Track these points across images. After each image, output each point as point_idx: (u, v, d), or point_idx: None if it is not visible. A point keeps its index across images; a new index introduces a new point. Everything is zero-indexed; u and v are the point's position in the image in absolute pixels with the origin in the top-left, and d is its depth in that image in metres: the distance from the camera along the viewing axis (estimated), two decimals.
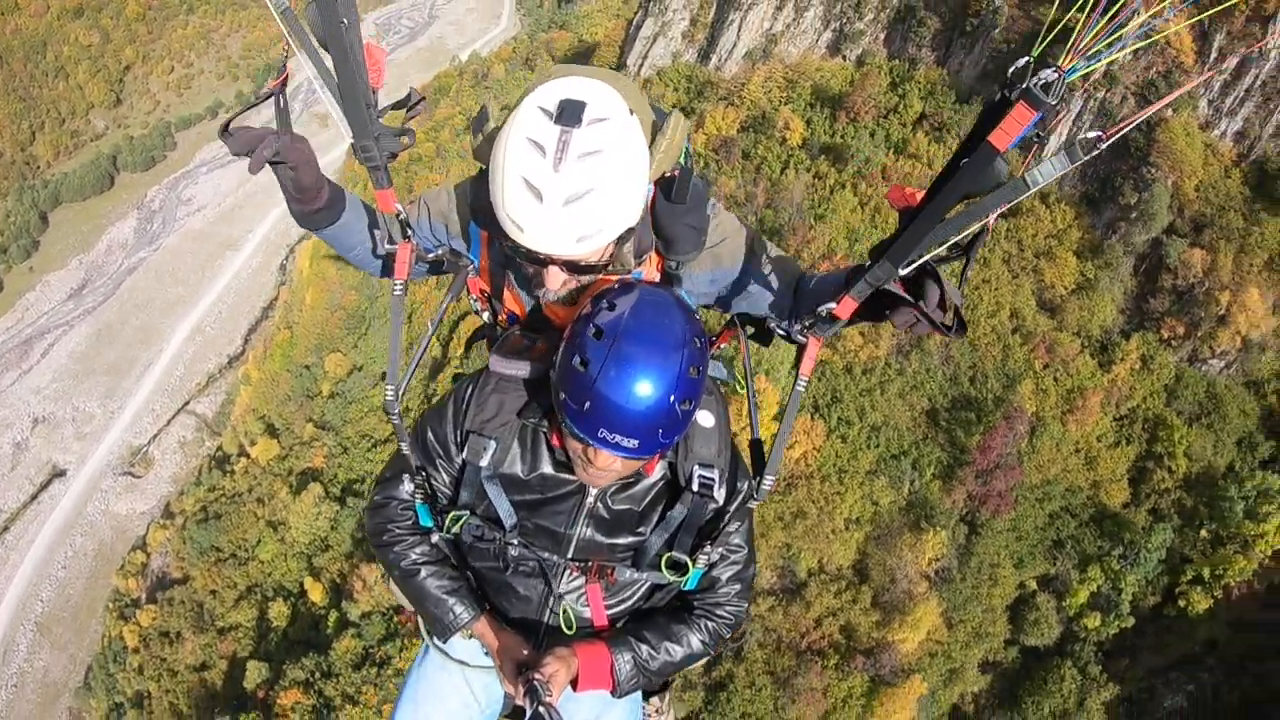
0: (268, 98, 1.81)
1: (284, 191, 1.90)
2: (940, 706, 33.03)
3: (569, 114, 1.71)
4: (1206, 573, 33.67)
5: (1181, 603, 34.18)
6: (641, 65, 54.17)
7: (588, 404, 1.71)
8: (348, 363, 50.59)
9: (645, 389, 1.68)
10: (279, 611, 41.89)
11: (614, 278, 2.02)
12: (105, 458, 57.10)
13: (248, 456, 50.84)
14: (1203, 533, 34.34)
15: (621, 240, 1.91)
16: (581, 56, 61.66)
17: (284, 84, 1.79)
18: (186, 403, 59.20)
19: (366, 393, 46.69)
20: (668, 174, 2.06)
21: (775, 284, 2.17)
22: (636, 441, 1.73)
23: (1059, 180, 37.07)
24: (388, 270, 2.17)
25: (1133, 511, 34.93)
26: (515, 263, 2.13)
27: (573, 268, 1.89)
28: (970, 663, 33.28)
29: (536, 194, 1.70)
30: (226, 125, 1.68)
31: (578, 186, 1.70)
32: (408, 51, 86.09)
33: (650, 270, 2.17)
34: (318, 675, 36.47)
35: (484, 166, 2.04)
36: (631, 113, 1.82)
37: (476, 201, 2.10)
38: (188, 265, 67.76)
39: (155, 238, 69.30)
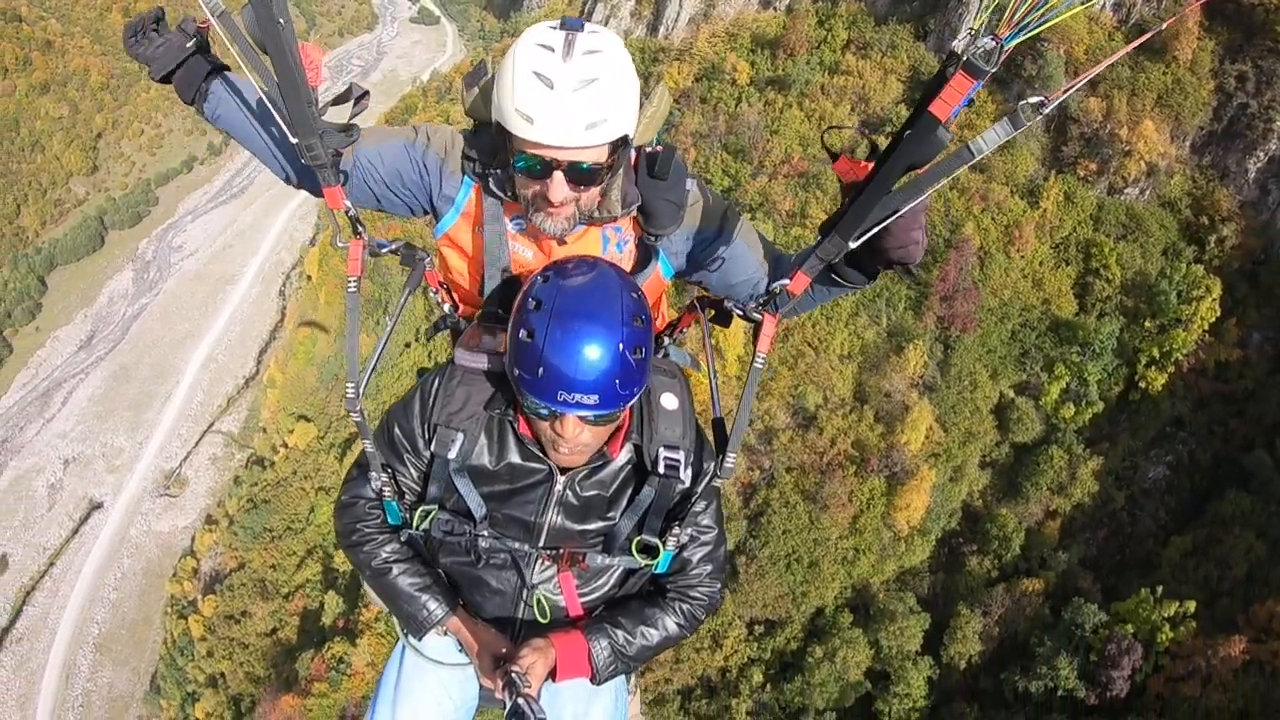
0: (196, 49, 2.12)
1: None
2: (951, 503, 39.08)
3: (571, 24, 1.94)
4: (1156, 352, 40.59)
5: (1143, 384, 41.02)
6: None
7: (540, 370, 1.83)
8: (372, 341, 56.35)
9: (592, 345, 1.82)
10: (344, 559, 46.64)
11: (602, 223, 2.24)
12: (140, 485, 61.96)
13: (286, 446, 55.87)
14: (1146, 324, 41.28)
15: (616, 155, 2.04)
16: None
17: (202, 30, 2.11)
18: (211, 424, 64.36)
19: (395, 360, 52.31)
20: (649, 149, 2.25)
21: (750, 254, 2.33)
22: (596, 397, 1.85)
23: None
24: (300, 181, 2.30)
25: (1083, 318, 41.82)
26: (501, 209, 2.27)
27: (576, 174, 2.00)
28: (970, 461, 39.55)
29: (547, 82, 1.86)
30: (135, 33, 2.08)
31: (585, 74, 1.87)
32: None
33: (628, 230, 2.33)
34: None
35: (477, 121, 2.31)
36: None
37: (471, 149, 2.27)
38: (190, 304, 74.09)
39: (154, 284, 75.52)
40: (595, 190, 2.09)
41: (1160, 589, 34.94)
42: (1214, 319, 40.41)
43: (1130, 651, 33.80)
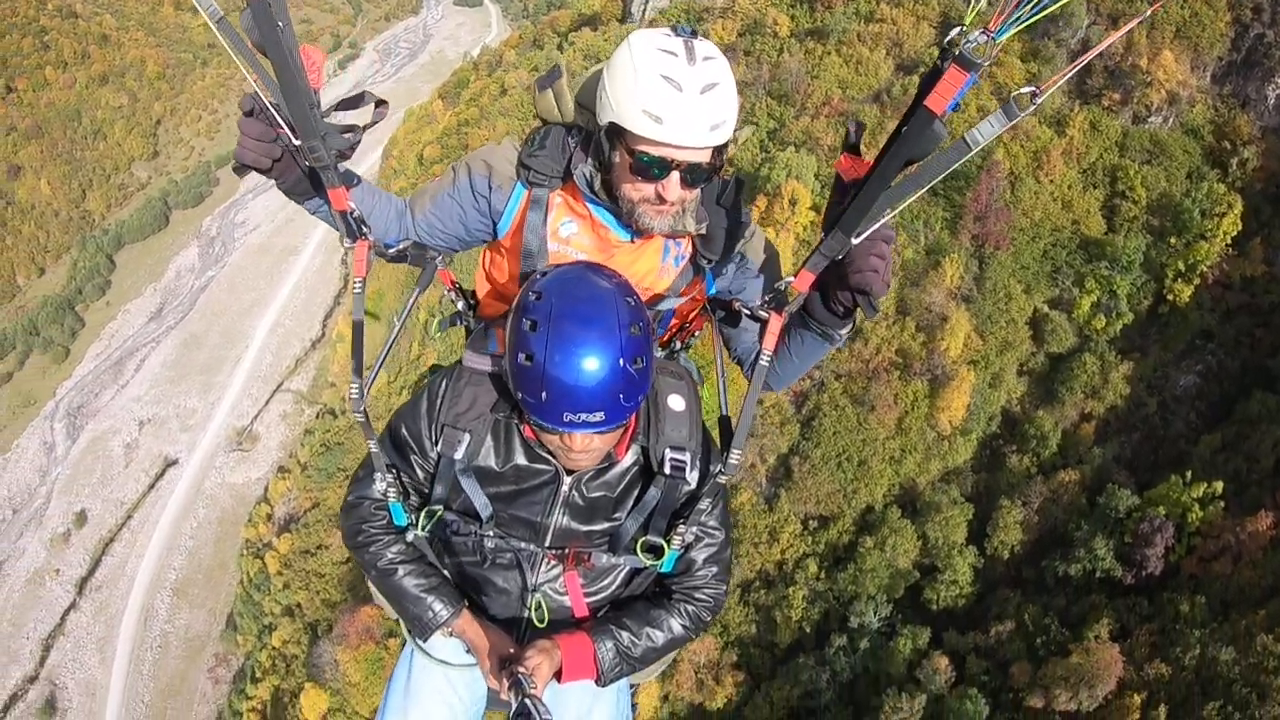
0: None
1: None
2: (991, 407, 42.46)
3: (683, 31, 2.04)
4: (1182, 265, 43.70)
5: (1170, 297, 44.13)
6: (644, 11, 66.92)
7: (544, 394, 1.89)
8: (438, 293, 60.51)
9: (592, 362, 1.87)
10: None
11: (680, 233, 2.32)
12: (213, 441, 66.88)
13: None
14: (1172, 241, 44.46)
15: (720, 159, 2.17)
16: (589, 22, 74.55)
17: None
18: (280, 384, 69.14)
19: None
20: (719, 177, 2.32)
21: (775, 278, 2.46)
22: (601, 413, 1.91)
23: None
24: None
25: (1111, 237, 45.08)
26: (544, 215, 2.38)
27: (693, 174, 2.12)
28: (1008, 369, 42.97)
29: (676, 85, 1.96)
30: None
31: (709, 78, 1.99)
32: (412, 69, 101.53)
33: (687, 246, 2.46)
34: None
35: (546, 121, 2.42)
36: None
37: (531, 154, 2.35)
38: (255, 274, 79.62)
39: (219, 258, 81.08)
40: (697, 192, 2.22)
41: (1190, 474, 37.98)
42: (1236, 233, 43.51)
43: (1162, 530, 36.81)
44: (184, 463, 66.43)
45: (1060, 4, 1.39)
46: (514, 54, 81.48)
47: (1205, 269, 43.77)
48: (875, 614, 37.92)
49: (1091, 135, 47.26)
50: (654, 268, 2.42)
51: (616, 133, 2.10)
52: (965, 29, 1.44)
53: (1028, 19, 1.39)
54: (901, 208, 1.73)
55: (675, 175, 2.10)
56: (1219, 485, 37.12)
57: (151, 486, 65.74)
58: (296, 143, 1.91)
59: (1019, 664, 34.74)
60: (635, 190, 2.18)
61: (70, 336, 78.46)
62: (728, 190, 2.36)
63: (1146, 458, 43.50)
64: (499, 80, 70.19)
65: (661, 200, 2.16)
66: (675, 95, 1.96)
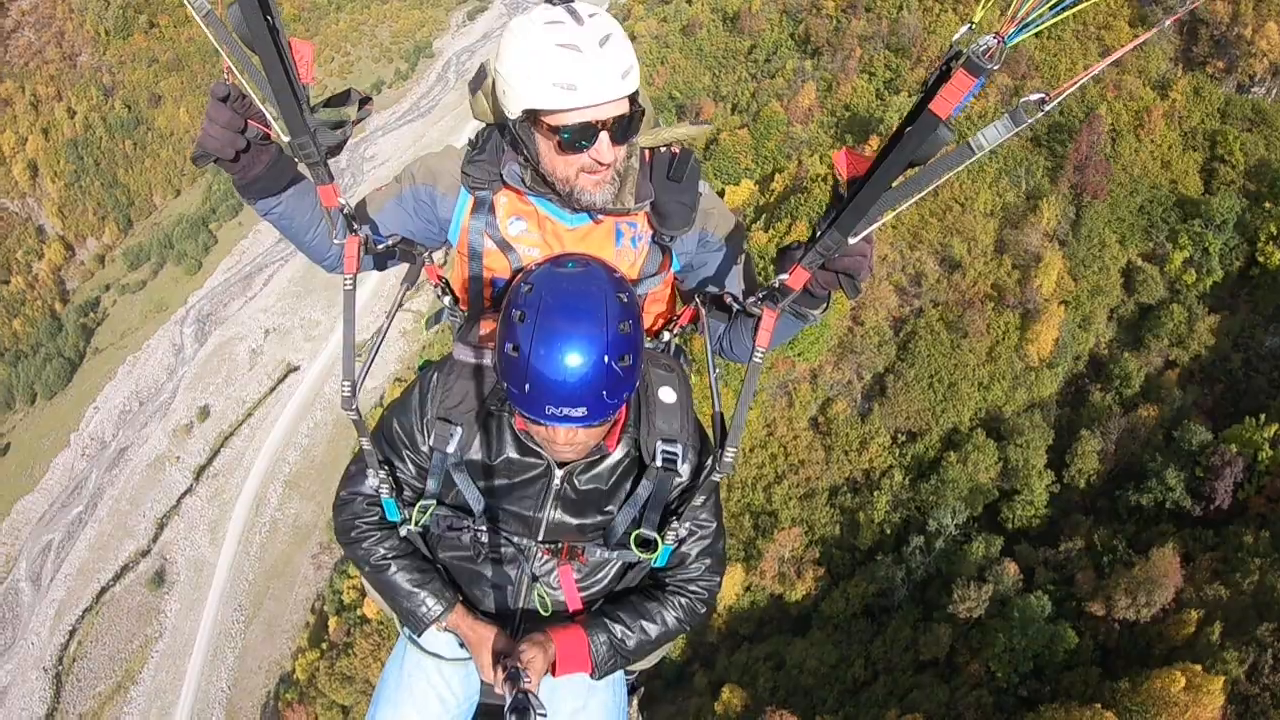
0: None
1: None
2: (1079, 347, 45.78)
3: (552, 1, 2.08)
4: (1275, 228, 46.31)
5: (1261, 259, 46.74)
6: None
7: (528, 385, 1.92)
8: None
9: (576, 358, 1.90)
10: None
11: (623, 216, 2.39)
12: (334, 350, 73.14)
13: None
14: (1267, 205, 47.06)
15: (636, 105, 2.17)
16: None
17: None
18: (401, 302, 74.74)
19: None
20: (664, 149, 2.40)
21: (741, 268, 2.55)
22: (584, 409, 1.94)
23: None
24: (339, 264, 2.39)
25: (1207, 198, 47.88)
26: (489, 217, 2.42)
27: (620, 129, 2.15)
28: (1098, 313, 46.36)
29: (575, 48, 2.00)
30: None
31: (601, 31, 2.03)
32: None
33: (643, 228, 2.46)
34: None
35: (485, 123, 2.43)
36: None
37: (473, 159, 2.40)
38: None
39: (349, 188, 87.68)
40: (623, 150, 2.24)
41: (1264, 416, 40.63)
42: None
43: (1232, 465, 39.48)
44: (305, 369, 72.90)
45: (1074, 9, 1.37)
46: (642, 9, 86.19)
47: None
48: (953, 519, 41.52)
49: (1194, 100, 50.08)
50: (608, 255, 2.41)
51: (531, 118, 2.14)
52: (974, 30, 1.42)
53: (1040, 22, 1.37)
54: (901, 210, 1.75)
55: (603, 136, 2.13)
56: None
57: (273, 389, 72.43)
58: (286, 139, 1.90)
59: (1084, 573, 37.98)
60: (568, 166, 2.21)
61: (203, 251, 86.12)
62: (675, 163, 2.39)
63: (1226, 408, 46.10)
64: (629, 29, 75.00)
65: (597, 167, 2.20)
66: (579, 58, 2.00)
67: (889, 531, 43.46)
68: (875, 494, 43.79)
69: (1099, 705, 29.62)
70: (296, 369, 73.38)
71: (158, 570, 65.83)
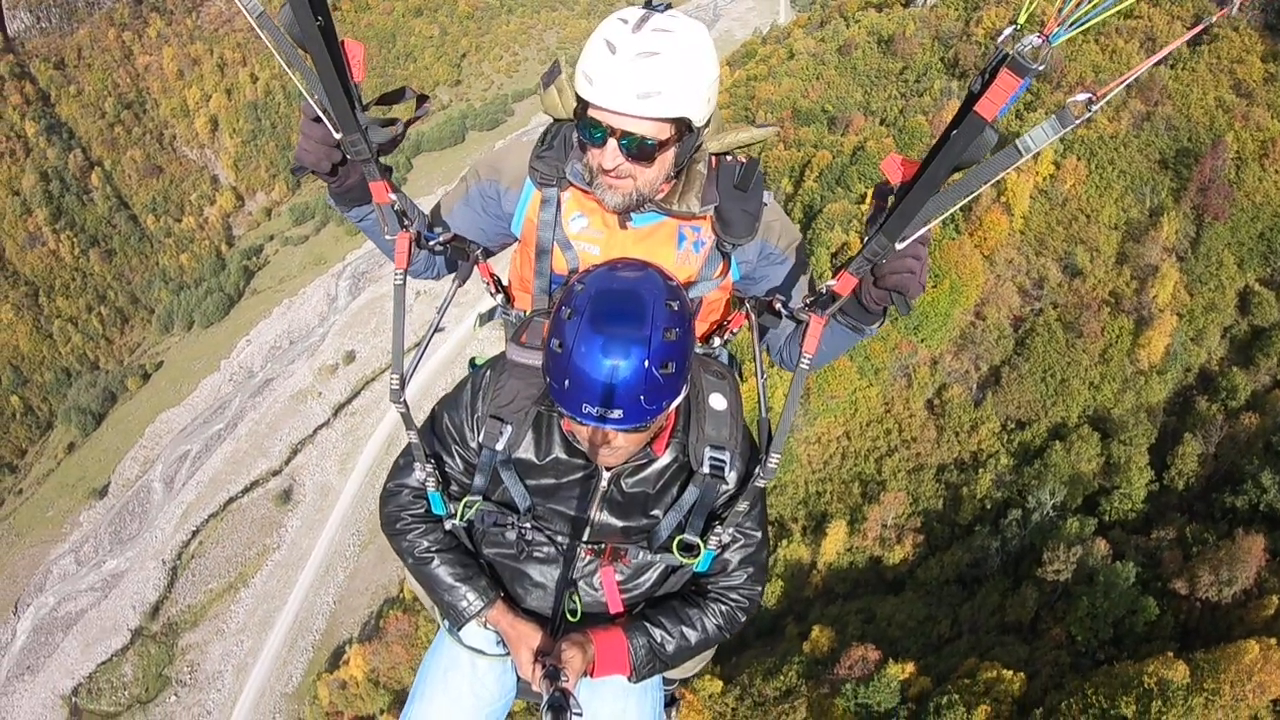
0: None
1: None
2: (1190, 358, 49.28)
3: (658, 6, 2.12)
4: None
5: None
6: None
7: (567, 382, 1.97)
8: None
9: (615, 359, 1.93)
10: None
11: (680, 218, 2.44)
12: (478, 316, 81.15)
13: None
14: None
15: (678, 138, 2.19)
16: (877, 6, 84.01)
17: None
18: (452, 298, 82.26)
19: None
20: (730, 159, 2.46)
21: (802, 279, 2.63)
22: (620, 411, 1.96)
23: (1245, 13, 54.78)
24: (422, 269, 2.64)
25: None
26: (557, 211, 2.46)
27: (630, 146, 2.15)
28: (1211, 329, 49.67)
29: (611, 48, 2.03)
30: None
31: (648, 47, 2.02)
32: None
33: (707, 232, 2.50)
34: None
35: (554, 119, 2.48)
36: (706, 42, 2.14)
37: (540, 153, 2.46)
38: None
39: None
40: (653, 170, 2.24)
41: None
42: None
43: None
44: (450, 331, 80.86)
45: (1120, 6, 1.40)
46: (801, 32, 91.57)
47: None
48: (1051, 497, 45.38)
49: None
50: (669, 257, 2.46)
51: (579, 107, 2.19)
52: (1019, 30, 1.43)
53: (1085, 21, 1.39)
54: (948, 214, 1.75)
55: (612, 143, 2.15)
56: None
57: (417, 344, 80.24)
58: (337, 136, 1.97)
59: (1170, 552, 40.77)
60: (590, 162, 2.27)
61: None
62: (741, 173, 2.42)
63: None
64: (788, 46, 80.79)
65: (604, 170, 2.22)
66: (608, 57, 2.03)
67: (989, 508, 47.46)
68: (980, 472, 48.09)
69: (1169, 654, 32.21)
70: (442, 329, 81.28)
71: (286, 489, 72.02)
